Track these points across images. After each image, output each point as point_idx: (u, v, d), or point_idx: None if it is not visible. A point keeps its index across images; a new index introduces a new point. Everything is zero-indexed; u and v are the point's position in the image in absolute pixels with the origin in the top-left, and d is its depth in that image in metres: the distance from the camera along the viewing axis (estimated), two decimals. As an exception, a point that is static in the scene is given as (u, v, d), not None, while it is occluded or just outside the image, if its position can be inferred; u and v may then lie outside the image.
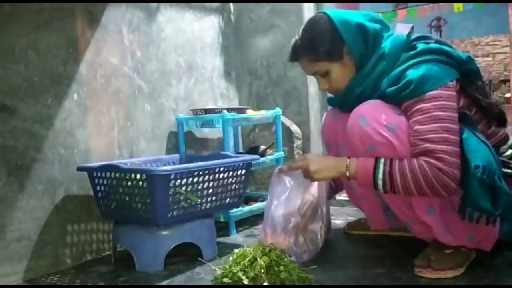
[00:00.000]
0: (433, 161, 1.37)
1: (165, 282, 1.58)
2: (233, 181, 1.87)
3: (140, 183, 1.65)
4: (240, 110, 2.27)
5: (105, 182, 1.74)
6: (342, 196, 2.59)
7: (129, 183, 1.68)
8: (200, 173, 1.73)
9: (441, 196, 1.41)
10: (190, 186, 1.71)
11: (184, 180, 1.68)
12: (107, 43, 1.98)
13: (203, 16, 2.53)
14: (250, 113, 2.32)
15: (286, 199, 1.70)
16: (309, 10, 2.63)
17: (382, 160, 1.43)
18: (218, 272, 1.51)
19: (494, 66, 6.36)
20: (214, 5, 2.62)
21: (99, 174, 1.74)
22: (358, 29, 1.55)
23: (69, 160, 1.81)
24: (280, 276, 1.41)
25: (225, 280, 1.44)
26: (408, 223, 1.60)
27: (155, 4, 2.24)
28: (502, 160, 1.51)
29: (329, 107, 1.90)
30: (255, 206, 2.25)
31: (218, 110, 2.21)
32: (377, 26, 1.58)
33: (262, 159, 2.23)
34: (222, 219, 2.13)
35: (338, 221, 2.20)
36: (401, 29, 1.57)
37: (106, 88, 1.98)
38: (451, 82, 1.44)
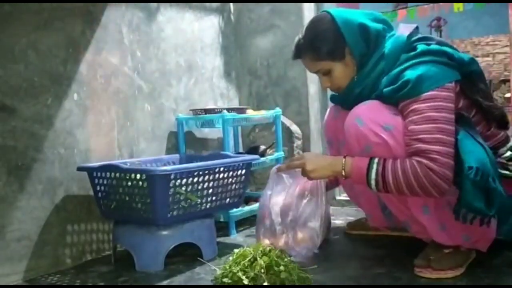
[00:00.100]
0: (425, 161, 1.36)
1: (165, 282, 1.58)
2: (233, 181, 1.87)
3: (140, 183, 1.65)
4: (240, 110, 2.27)
5: (105, 182, 1.74)
6: (342, 196, 2.60)
7: (129, 183, 1.68)
8: (200, 173, 1.73)
9: (433, 197, 1.40)
10: (190, 186, 1.71)
11: (184, 180, 1.68)
12: (107, 43, 1.98)
13: (203, 16, 2.53)
14: (250, 113, 2.32)
15: (284, 195, 1.71)
16: (309, 10, 2.63)
17: (375, 160, 1.44)
18: (218, 272, 1.51)
19: (494, 66, 6.37)
20: (214, 5, 2.62)
21: (99, 174, 1.74)
22: (360, 29, 1.55)
23: (69, 160, 1.81)
24: (280, 276, 1.41)
25: (225, 280, 1.44)
26: (406, 222, 1.60)
27: (155, 4, 2.23)
28: (500, 162, 1.51)
29: (332, 104, 1.91)
30: (255, 206, 2.24)
31: (218, 110, 2.21)
32: (379, 26, 1.58)
33: (262, 159, 2.23)
34: (222, 219, 2.13)
35: (338, 221, 2.20)
36: (403, 30, 1.57)
37: (106, 88, 1.98)
38: (449, 83, 1.43)
